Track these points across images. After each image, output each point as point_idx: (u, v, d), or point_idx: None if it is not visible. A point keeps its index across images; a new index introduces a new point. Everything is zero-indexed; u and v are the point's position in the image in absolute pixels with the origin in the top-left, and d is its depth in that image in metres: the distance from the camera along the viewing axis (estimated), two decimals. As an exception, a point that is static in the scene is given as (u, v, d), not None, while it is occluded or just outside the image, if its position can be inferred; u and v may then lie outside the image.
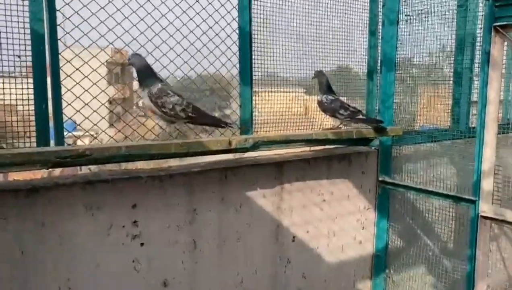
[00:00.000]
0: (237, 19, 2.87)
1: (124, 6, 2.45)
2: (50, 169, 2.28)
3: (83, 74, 2.40)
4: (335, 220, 3.32)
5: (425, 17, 3.31)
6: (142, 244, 2.45)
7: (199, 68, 2.81)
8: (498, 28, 2.75)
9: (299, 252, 3.13)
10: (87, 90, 2.42)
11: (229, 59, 2.88)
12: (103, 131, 2.47)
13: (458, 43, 3.77)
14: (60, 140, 2.30)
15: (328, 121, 3.24)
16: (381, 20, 3.46)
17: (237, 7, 2.86)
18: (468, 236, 2.98)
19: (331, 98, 3.02)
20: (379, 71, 3.52)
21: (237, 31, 2.89)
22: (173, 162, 2.88)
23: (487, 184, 2.85)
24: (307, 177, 3.14)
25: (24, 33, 2.19)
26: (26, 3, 2.17)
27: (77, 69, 2.36)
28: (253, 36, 2.91)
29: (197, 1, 2.71)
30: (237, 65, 2.92)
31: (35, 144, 2.21)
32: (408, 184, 3.41)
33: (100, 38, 2.41)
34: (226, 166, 2.74)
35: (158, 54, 2.54)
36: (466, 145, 3.32)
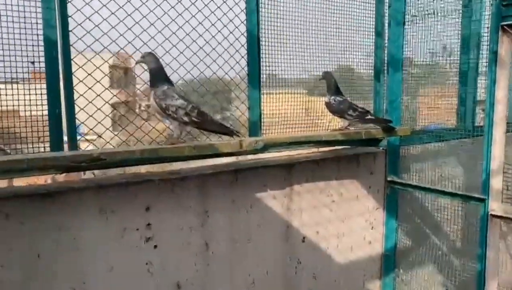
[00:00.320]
0: (245, 22, 2.91)
1: (135, 11, 2.49)
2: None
3: (95, 79, 2.45)
4: (344, 221, 3.33)
5: (430, 17, 3.33)
6: (155, 247, 2.48)
7: (208, 72, 2.85)
8: (506, 27, 2.76)
9: (309, 252, 3.15)
10: (99, 95, 2.46)
11: (237, 62, 2.91)
12: (115, 135, 2.50)
13: (463, 43, 3.80)
14: (73, 144, 2.33)
15: (335, 122, 3.26)
16: (387, 21, 3.49)
17: (245, 10, 2.90)
18: (478, 235, 2.99)
19: (339, 99, 3.03)
20: (385, 71, 3.54)
21: (245, 34, 2.92)
22: (181, 165, 2.88)
23: (496, 183, 2.86)
24: (316, 178, 3.16)
25: (38, 40, 2.22)
26: (40, 10, 2.20)
27: (89, 74, 2.39)
28: (261, 39, 2.94)
29: (206, 6, 2.75)
30: (246, 68, 2.95)
31: (48, 149, 2.26)
32: (416, 183, 3.42)
33: (111, 43, 2.44)
34: (236, 168, 2.76)
35: (167, 58, 2.58)
36: (473, 144, 3.34)
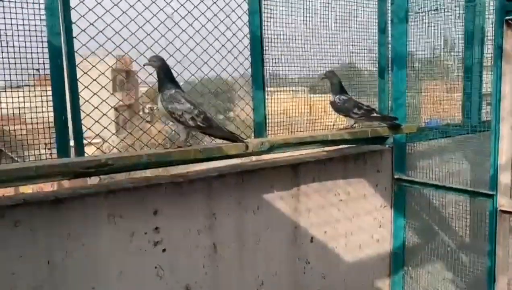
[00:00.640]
0: (247, 24, 2.91)
1: (138, 16, 2.49)
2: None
3: (100, 84, 2.45)
4: (352, 220, 3.33)
5: (433, 13, 3.31)
6: (164, 250, 2.48)
7: (212, 74, 2.85)
8: (510, 21, 2.75)
9: (318, 252, 3.15)
10: (104, 100, 2.47)
11: (241, 64, 2.91)
12: (122, 140, 2.51)
13: (467, 38, 3.78)
14: (80, 150, 2.34)
15: (341, 121, 3.25)
16: (390, 18, 3.47)
17: (247, 12, 2.90)
18: (487, 231, 2.98)
19: (344, 98, 3.03)
20: (390, 69, 3.53)
21: (248, 35, 2.92)
22: (187, 168, 2.89)
23: (504, 178, 2.84)
24: (323, 178, 3.15)
25: (42, 47, 2.23)
26: (44, 17, 2.21)
27: (94, 80, 2.40)
28: (264, 39, 2.93)
29: (209, 8, 2.75)
30: (249, 70, 2.95)
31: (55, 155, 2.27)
32: (423, 180, 3.41)
33: (115, 48, 2.44)
34: (242, 170, 2.76)
35: (171, 61, 2.59)
36: (480, 140, 3.32)
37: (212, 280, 2.67)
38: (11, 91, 2.19)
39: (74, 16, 2.29)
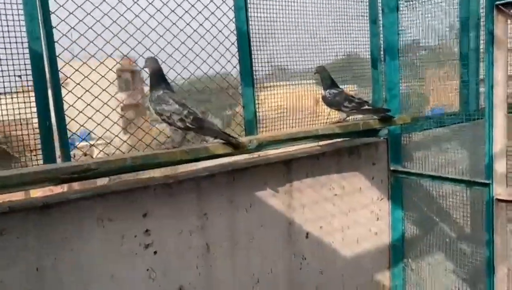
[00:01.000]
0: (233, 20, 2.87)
1: (120, 17, 2.47)
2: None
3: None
4: (348, 214, 3.29)
5: (424, 0, 3.25)
6: (155, 252, 2.46)
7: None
8: (501, 6, 2.68)
9: (314, 248, 3.12)
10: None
11: (228, 61, 2.88)
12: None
13: (462, 24, 3.72)
14: (66, 155, 2.33)
15: (334, 115, 3.21)
16: (381, 7, 3.42)
17: (233, 8, 2.86)
18: (485, 221, 2.93)
19: (334, 92, 2.99)
20: (382, 59, 3.47)
21: (235, 32, 2.88)
22: (179, 168, 2.87)
23: (500, 167, 2.79)
24: (317, 173, 3.12)
25: (24, 52, 2.21)
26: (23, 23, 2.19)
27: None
28: (251, 35, 2.90)
29: (193, 6, 2.72)
30: (237, 66, 2.92)
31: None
32: (420, 171, 3.36)
33: (98, 51, 2.43)
34: (233, 168, 2.74)
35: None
36: (478, 127, 3.26)
37: (206, 280, 2.66)
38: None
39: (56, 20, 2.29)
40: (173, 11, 2.62)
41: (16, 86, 2.24)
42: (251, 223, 2.82)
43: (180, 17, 2.64)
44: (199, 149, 2.29)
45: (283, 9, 3.09)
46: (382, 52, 3.48)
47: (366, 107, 2.97)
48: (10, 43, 2.18)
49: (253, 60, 2.92)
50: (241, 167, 2.79)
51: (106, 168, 2.07)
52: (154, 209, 2.46)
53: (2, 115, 2.19)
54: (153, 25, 2.57)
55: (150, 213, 2.45)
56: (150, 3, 2.54)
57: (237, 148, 2.35)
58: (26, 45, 2.21)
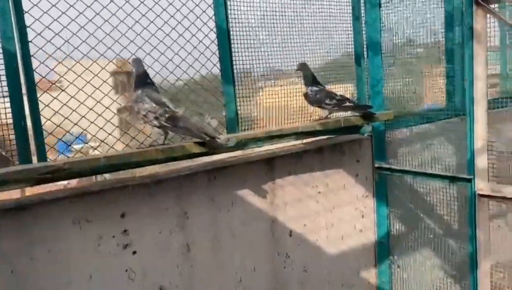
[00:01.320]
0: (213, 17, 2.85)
1: (96, 16, 2.45)
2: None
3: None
4: (332, 211, 3.28)
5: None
6: (134, 253, 2.45)
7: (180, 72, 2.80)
8: (480, 1, 2.68)
9: (298, 246, 3.11)
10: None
11: (208, 59, 2.86)
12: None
13: (447, 19, 3.70)
14: (42, 156, 2.30)
15: (317, 112, 3.20)
16: (363, 4, 3.40)
17: (212, 5, 2.84)
18: (468, 216, 2.93)
19: (316, 89, 2.97)
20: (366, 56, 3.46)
21: (214, 30, 2.87)
22: (163, 167, 2.86)
23: (481, 162, 2.79)
24: (299, 171, 3.11)
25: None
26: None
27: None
28: (231, 32, 2.88)
29: (171, 4, 2.70)
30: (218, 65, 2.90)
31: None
32: (404, 168, 3.35)
33: (74, 50, 2.41)
34: (214, 167, 2.72)
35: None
36: (463, 123, 3.25)
37: (187, 279, 2.64)
38: None
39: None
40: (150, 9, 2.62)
41: None
42: (233, 221, 2.81)
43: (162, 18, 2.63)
44: (174, 148, 2.27)
45: (265, 6, 3.08)
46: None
47: (348, 104, 2.96)
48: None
49: (233, 58, 2.91)
50: (222, 165, 2.77)
51: (79, 168, 2.05)
52: (132, 209, 2.44)
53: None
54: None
55: (128, 213, 2.43)
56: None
57: (213, 147, 2.34)
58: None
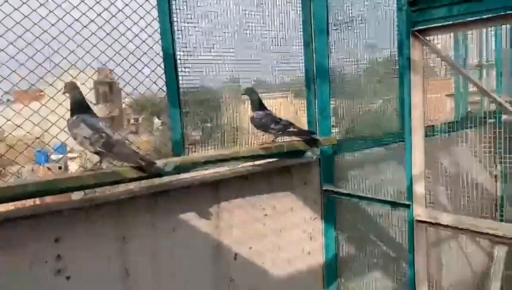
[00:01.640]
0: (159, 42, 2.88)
1: (43, 33, 2.44)
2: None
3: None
4: (280, 234, 3.30)
5: (350, 26, 3.34)
6: (68, 278, 2.41)
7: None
8: (417, 33, 2.77)
9: (243, 269, 3.11)
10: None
11: (154, 82, 2.88)
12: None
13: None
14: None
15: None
16: (312, 31, 3.48)
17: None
18: (408, 241, 2.99)
19: (262, 114, 3.02)
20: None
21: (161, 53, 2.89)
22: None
23: (419, 188, 2.86)
24: (246, 194, 3.13)
25: None
26: None
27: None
28: (177, 53, 2.90)
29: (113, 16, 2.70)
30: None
31: None
32: (350, 192, 3.41)
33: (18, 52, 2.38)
34: (155, 191, 2.72)
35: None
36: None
37: (125, 305, 2.61)
38: None
39: None
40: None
41: None
42: (175, 246, 2.80)
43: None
44: (108, 173, 2.27)
45: (214, 31, 3.12)
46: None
47: (292, 129, 3.01)
48: None
49: (180, 82, 2.93)
50: (164, 189, 2.77)
51: (2, 195, 2.02)
52: (67, 234, 2.41)
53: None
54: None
55: (62, 237, 2.39)
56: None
57: (150, 172, 2.34)
58: None
